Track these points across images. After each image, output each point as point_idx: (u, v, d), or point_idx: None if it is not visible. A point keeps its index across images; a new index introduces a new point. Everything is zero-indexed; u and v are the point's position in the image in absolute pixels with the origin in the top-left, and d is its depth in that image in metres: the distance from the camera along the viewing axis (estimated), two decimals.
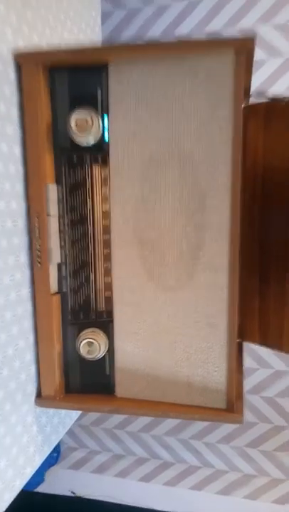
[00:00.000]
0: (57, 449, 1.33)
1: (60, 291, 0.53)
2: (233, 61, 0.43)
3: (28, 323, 0.51)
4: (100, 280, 0.52)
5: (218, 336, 0.49)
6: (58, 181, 0.51)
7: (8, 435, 0.47)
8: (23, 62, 0.47)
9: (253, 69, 0.46)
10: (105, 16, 1.22)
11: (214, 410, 0.50)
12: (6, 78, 0.45)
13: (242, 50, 0.42)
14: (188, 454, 1.29)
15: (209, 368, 0.50)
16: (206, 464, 1.27)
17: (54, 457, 1.33)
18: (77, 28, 0.64)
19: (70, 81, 0.48)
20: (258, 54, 1.05)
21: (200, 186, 0.47)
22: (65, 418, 0.62)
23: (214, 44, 0.42)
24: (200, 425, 1.27)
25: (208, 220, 0.47)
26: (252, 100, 0.48)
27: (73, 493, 1.32)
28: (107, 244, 0.51)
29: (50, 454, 1.26)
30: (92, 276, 0.52)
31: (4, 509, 0.47)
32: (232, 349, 0.49)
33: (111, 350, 0.52)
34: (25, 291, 0.50)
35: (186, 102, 0.45)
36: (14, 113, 0.47)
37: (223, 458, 1.26)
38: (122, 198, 0.49)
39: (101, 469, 1.35)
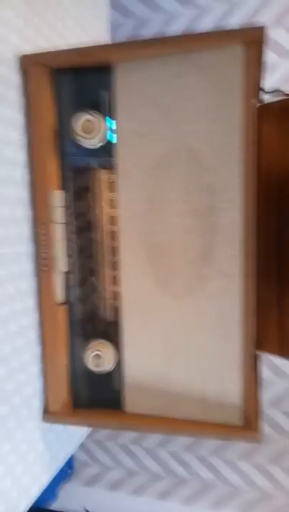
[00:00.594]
0: (70, 465, 1.30)
1: (66, 301, 0.51)
2: (241, 53, 0.41)
3: (33, 335, 0.49)
4: (108, 289, 0.50)
5: (233, 347, 0.46)
6: (63, 187, 0.49)
7: (13, 453, 0.45)
8: (28, 64, 0.46)
9: (266, 72, 0.44)
10: (115, 28, 1.22)
11: (229, 427, 0.47)
12: (11, 82, 0.44)
13: (251, 42, 0.40)
14: (206, 471, 1.24)
15: (224, 382, 0.47)
16: (224, 481, 1.22)
17: (68, 473, 1.30)
18: (86, 35, 0.64)
19: (75, 83, 0.47)
20: (270, 56, 1.03)
21: (209, 188, 0.44)
22: (74, 435, 0.59)
23: (221, 36, 0.40)
24: (218, 442, 1.23)
25: (218, 223, 0.44)
26: (265, 99, 0.46)
27: (87, 510, 1.28)
28: (115, 251, 0.49)
29: (64, 469, 1.22)
30: (99, 285, 0.50)
31: None
32: (248, 361, 0.45)
33: (120, 363, 0.50)
34: (31, 301, 0.49)
35: (194, 100, 0.43)
36: (19, 118, 0.46)
37: (241, 475, 1.20)
38: (129, 202, 0.47)
39: (115, 486, 1.31)
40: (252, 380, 0.46)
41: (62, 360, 0.50)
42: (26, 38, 0.47)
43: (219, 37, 0.41)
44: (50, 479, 0.53)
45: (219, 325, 0.46)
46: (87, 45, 0.45)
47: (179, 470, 1.25)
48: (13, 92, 0.45)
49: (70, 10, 0.58)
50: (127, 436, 1.29)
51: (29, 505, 0.48)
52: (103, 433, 1.31)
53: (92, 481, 1.33)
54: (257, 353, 0.48)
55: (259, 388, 0.48)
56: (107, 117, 0.46)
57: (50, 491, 1.22)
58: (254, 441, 0.45)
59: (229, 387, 0.46)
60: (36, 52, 0.47)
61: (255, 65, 0.40)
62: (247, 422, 0.46)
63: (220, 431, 0.46)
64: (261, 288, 0.47)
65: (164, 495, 1.26)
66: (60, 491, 1.30)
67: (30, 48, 0.48)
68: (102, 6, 0.70)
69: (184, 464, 1.24)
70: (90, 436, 1.29)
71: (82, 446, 1.32)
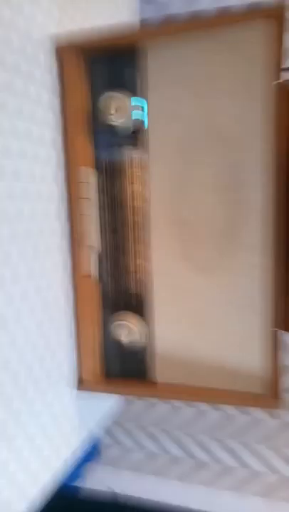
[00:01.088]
0: (95, 446, 1.34)
1: (98, 276, 0.53)
2: (263, 28, 0.42)
3: (68, 308, 0.52)
4: (138, 264, 0.52)
5: (257, 318, 0.48)
6: (96, 166, 0.51)
7: (46, 413, 0.48)
8: (62, 47, 0.48)
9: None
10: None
11: (251, 395, 0.49)
12: (45, 64, 0.46)
13: (272, 16, 0.41)
14: (225, 454, 1.26)
15: (246, 352, 0.49)
16: (243, 464, 1.24)
17: (91, 453, 1.34)
18: (110, 14, 0.64)
19: (106, 64, 0.49)
20: None
21: (236, 162, 0.46)
22: (104, 407, 0.62)
23: (244, 12, 0.42)
24: (236, 425, 1.24)
25: (244, 198, 0.46)
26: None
27: (112, 489, 1.32)
28: (145, 227, 0.51)
29: (91, 450, 1.26)
30: (130, 260, 0.52)
31: (43, 490, 0.48)
32: (270, 332, 0.47)
33: (149, 335, 0.52)
34: (65, 273, 0.51)
35: (221, 76, 0.45)
36: (53, 98, 0.48)
37: (261, 459, 1.22)
38: (158, 179, 0.49)
39: (137, 467, 1.34)
40: (273, 352, 0.48)
41: (94, 332, 0.53)
42: (59, 22, 0.49)
43: (243, 14, 0.42)
44: (79, 444, 0.55)
45: (243, 297, 0.48)
46: (117, 28, 0.47)
47: (199, 453, 1.28)
48: (47, 73, 0.47)
49: None
50: (148, 419, 1.32)
51: (60, 467, 0.51)
52: (124, 416, 1.34)
53: (115, 462, 1.37)
54: (280, 330, 0.49)
55: (279, 362, 0.50)
56: (138, 97, 0.48)
57: (77, 471, 1.26)
58: (274, 408, 0.47)
59: (251, 357, 0.48)
60: (69, 35, 0.49)
61: (276, 40, 0.42)
62: (267, 390, 0.48)
63: (242, 399, 0.48)
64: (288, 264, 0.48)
65: (185, 477, 1.29)
66: (85, 470, 1.34)
67: (62, 31, 0.50)
68: None
69: (203, 446, 1.27)
70: (113, 419, 1.33)
71: (107, 430, 1.35)
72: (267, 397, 0.48)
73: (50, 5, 0.47)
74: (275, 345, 0.48)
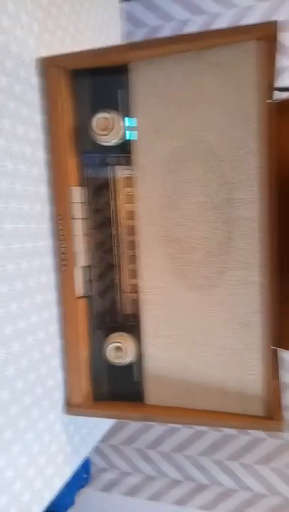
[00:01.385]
0: (87, 470, 1.30)
1: (86, 295, 0.52)
2: (255, 48, 0.42)
3: (54, 328, 0.50)
4: (127, 282, 0.51)
5: (253, 336, 0.46)
6: (82, 183, 0.50)
7: (36, 442, 0.46)
8: (46, 66, 0.47)
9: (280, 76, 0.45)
10: (127, 36, 1.25)
11: (251, 417, 0.47)
12: (30, 84, 0.46)
13: (264, 37, 0.41)
14: (224, 477, 1.22)
15: (244, 372, 0.47)
16: (243, 487, 1.20)
17: (84, 478, 1.30)
18: (97, 38, 0.66)
19: (91, 83, 0.49)
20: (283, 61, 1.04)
21: (227, 179, 0.45)
22: (94, 429, 0.60)
23: (235, 32, 0.42)
24: (235, 445, 1.21)
25: (237, 215, 0.45)
26: (281, 96, 0.47)
27: None
28: (133, 245, 0.50)
29: (80, 475, 1.22)
30: (118, 279, 0.51)
31: None
32: (268, 350, 0.46)
33: (140, 355, 0.50)
34: (51, 295, 0.50)
35: (209, 96, 0.44)
36: (38, 117, 0.48)
37: (262, 480, 1.19)
38: (146, 196, 0.48)
39: (133, 491, 1.30)
40: (272, 371, 0.46)
41: (83, 353, 0.51)
42: (42, 41, 0.49)
43: (233, 33, 0.42)
44: (72, 472, 0.53)
45: (240, 315, 0.46)
46: (103, 48, 0.47)
47: (197, 475, 1.24)
48: (33, 92, 0.47)
49: (81, 14, 0.60)
50: (143, 440, 1.28)
51: (51, 497, 0.49)
52: (118, 437, 1.31)
53: (109, 487, 1.32)
54: (276, 348, 0.48)
55: (279, 381, 0.48)
56: (124, 115, 0.48)
57: (68, 496, 1.22)
58: (277, 431, 0.45)
59: (250, 376, 0.47)
60: (58, 56, 0.48)
61: (268, 59, 0.41)
62: (269, 412, 0.46)
63: (242, 421, 0.46)
64: (284, 281, 0.47)
65: (182, 500, 1.25)
66: (78, 496, 1.29)
67: (46, 51, 0.50)
68: (113, 13, 0.72)
69: (201, 468, 1.23)
70: (105, 440, 1.29)
71: (98, 451, 1.31)
72: (268, 419, 0.46)
73: (37, 27, 0.47)
74: (275, 364, 0.46)
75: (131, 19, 1.27)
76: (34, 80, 0.47)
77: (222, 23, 1.19)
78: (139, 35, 1.27)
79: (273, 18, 1.12)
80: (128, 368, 0.51)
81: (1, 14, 0.41)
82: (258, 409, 0.47)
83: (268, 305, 0.45)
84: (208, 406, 0.48)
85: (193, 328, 0.48)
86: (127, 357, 0.49)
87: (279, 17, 1.15)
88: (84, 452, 0.56)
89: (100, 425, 0.61)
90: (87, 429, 0.57)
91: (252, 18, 1.15)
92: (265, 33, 0.41)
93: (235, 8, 1.17)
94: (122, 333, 0.51)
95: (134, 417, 0.49)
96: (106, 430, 0.63)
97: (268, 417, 0.46)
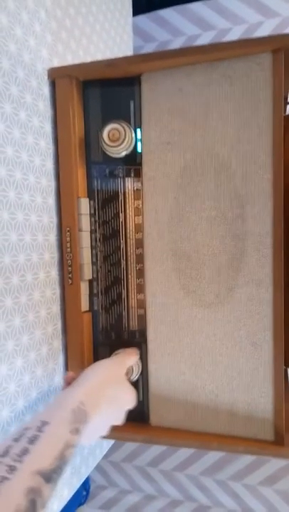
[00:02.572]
0: (86, 488, 1.27)
1: (91, 310, 0.50)
2: (270, 61, 0.41)
3: (57, 343, 0.48)
4: (133, 297, 0.49)
5: (263, 357, 0.44)
6: (90, 195, 0.49)
7: None
8: (57, 76, 0.47)
9: None
10: (136, 50, 1.26)
11: (260, 442, 0.45)
12: (41, 94, 0.46)
13: (280, 49, 0.40)
14: (226, 497, 1.19)
15: (254, 394, 0.45)
16: (246, 509, 1.17)
17: (83, 496, 1.26)
18: (110, 51, 0.66)
19: (102, 94, 0.48)
20: None
21: (238, 194, 0.44)
22: (95, 449, 0.58)
23: (249, 44, 0.41)
24: (239, 465, 1.18)
25: (248, 230, 0.44)
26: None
27: None
28: (141, 258, 0.48)
29: (79, 492, 1.19)
30: (124, 293, 0.49)
31: None
32: (280, 371, 0.44)
33: (145, 374, 0.49)
34: (56, 308, 0.48)
35: (222, 108, 0.44)
36: (48, 127, 0.47)
37: (265, 503, 1.15)
38: (155, 209, 0.47)
39: (132, 511, 1.26)
40: (283, 393, 0.44)
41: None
42: (55, 51, 0.49)
43: (247, 45, 0.41)
44: (72, 495, 0.51)
45: (250, 334, 0.45)
46: (114, 59, 0.46)
47: (198, 495, 1.20)
48: (43, 102, 0.46)
49: (96, 28, 0.60)
50: (144, 458, 1.25)
51: None
52: (119, 454, 1.28)
53: (108, 505, 1.28)
54: (286, 368, 0.46)
55: None
56: (134, 126, 0.47)
57: None
58: (287, 458, 0.43)
59: (260, 399, 0.45)
60: (64, 64, 0.48)
61: (283, 73, 0.41)
62: (279, 437, 0.44)
63: (250, 446, 0.44)
64: None
65: None
66: None
67: (58, 62, 0.49)
68: (126, 26, 0.72)
69: (203, 488, 1.19)
70: (105, 458, 1.26)
71: (98, 468, 1.28)
72: (278, 445, 0.44)
73: (50, 38, 0.47)
74: (287, 386, 0.44)
75: (141, 33, 1.28)
76: (46, 90, 0.47)
77: (231, 39, 1.20)
78: (148, 50, 1.28)
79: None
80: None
81: (14, 23, 0.41)
82: (267, 434, 0.45)
83: (279, 324, 0.44)
84: (215, 429, 0.46)
85: (201, 346, 0.46)
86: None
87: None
88: (85, 473, 0.54)
89: (101, 444, 0.59)
90: (88, 449, 0.55)
91: (261, 34, 1.16)
92: (282, 45, 0.40)
93: (245, 24, 1.18)
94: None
95: (138, 439, 0.47)
96: (108, 449, 0.61)
97: (278, 442, 0.44)
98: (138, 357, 0.48)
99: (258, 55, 0.41)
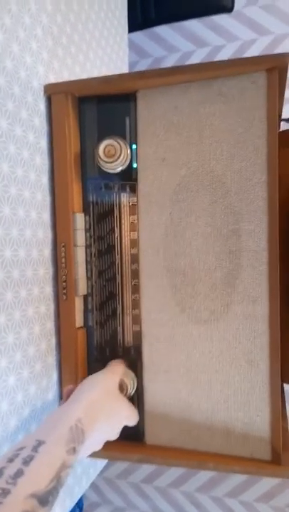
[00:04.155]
0: (80, 505, 1.24)
1: (85, 326, 0.50)
2: (265, 79, 0.41)
3: (51, 360, 0.48)
4: (128, 313, 0.49)
5: (260, 375, 0.44)
6: (85, 210, 0.49)
7: None
8: (53, 92, 0.47)
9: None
10: (131, 66, 1.28)
11: (257, 462, 0.44)
12: (37, 110, 0.46)
13: (275, 68, 0.41)
14: None
15: (250, 412, 0.44)
16: None
17: None
18: (106, 67, 0.66)
19: (98, 110, 0.48)
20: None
21: (234, 210, 0.44)
22: (89, 468, 0.56)
23: (245, 63, 0.41)
24: (235, 481, 1.16)
25: (244, 246, 0.44)
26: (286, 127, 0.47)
27: None
28: (136, 274, 0.48)
29: (73, 510, 1.16)
30: (119, 309, 0.49)
31: None
32: (276, 390, 0.43)
33: (139, 391, 0.48)
34: (50, 324, 0.48)
35: (217, 125, 0.44)
36: (43, 143, 0.47)
37: None
38: (150, 225, 0.47)
39: None
40: (280, 411, 0.43)
41: None
42: (51, 68, 0.49)
43: (242, 64, 0.42)
44: None
45: (246, 352, 0.44)
46: (109, 76, 0.47)
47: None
48: (39, 118, 0.46)
49: (92, 45, 0.61)
50: (138, 474, 1.23)
51: None
52: (113, 471, 1.25)
53: None
54: (282, 383, 0.46)
55: (287, 421, 0.46)
56: (129, 142, 0.47)
57: None
58: (284, 477, 0.42)
59: (256, 418, 0.44)
60: (59, 81, 0.48)
61: (279, 91, 0.41)
62: (276, 457, 0.43)
63: (247, 465, 0.43)
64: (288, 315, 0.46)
65: None
66: None
67: (55, 78, 0.50)
68: (122, 43, 0.73)
69: (198, 505, 1.17)
70: (99, 474, 1.23)
71: (91, 485, 1.26)
72: (275, 464, 0.43)
73: (46, 55, 0.47)
74: (283, 404, 0.44)
75: (136, 49, 1.30)
76: (41, 106, 0.47)
77: (225, 56, 1.22)
78: (143, 65, 1.30)
79: (275, 52, 1.15)
80: None
81: (11, 40, 0.41)
82: (264, 453, 0.44)
83: (276, 341, 0.43)
84: (211, 448, 0.46)
85: (196, 364, 0.46)
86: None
87: (280, 51, 1.18)
88: (79, 493, 0.53)
89: (95, 464, 0.58)
90: (81, 468, 0.54)
91: (254, 52, 1.18)
92: (277, 65, 0.40)
93: (238, 41, 1.20)
94: None
95: (133, 458, 0.46)
96: (101, 469, 0.60)
97: (275, 461, 0.43)
98: (125, 364, 0.47)
99: (253, 74, 0.42)
